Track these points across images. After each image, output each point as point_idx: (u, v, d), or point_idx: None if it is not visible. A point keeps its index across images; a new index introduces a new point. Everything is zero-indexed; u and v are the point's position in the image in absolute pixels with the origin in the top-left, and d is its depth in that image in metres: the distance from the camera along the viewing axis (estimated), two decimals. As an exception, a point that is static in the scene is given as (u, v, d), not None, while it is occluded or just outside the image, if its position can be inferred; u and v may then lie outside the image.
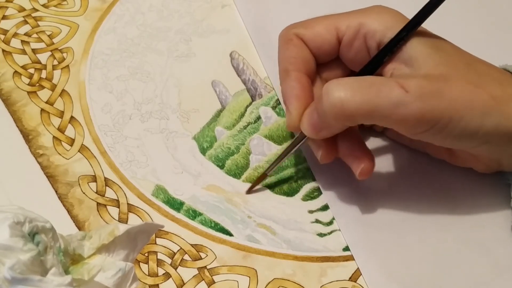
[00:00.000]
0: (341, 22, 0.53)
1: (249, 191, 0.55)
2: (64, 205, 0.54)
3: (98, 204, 0.54)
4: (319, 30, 0.54)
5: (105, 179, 0.55)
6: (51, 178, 0.55)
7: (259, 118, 0.59)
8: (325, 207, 0.55)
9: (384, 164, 0.56)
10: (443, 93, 0.47)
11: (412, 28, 0.50)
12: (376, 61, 0.51)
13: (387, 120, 0.48)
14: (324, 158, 0.52)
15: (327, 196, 0.55)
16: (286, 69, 0.53)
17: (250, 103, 0.60)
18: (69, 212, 0.54)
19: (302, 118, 0.51)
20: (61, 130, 0.58)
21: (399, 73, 0.50)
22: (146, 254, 0.52)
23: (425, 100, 0.46)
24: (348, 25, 0.53)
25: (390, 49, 0.50)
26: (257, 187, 0.55)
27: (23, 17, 0.64)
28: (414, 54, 0.49)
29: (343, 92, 0.47)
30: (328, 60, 0.55)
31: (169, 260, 0.52)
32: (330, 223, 0.54)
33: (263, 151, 0.57)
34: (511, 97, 0.48)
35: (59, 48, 0.62)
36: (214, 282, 0.51)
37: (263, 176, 0.55)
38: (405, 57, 0.50)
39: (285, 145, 0.57)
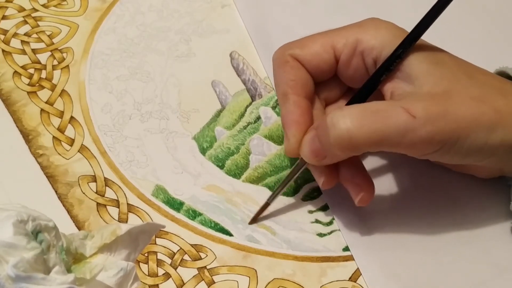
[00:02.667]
0: (338, 39, 0.52)
1: (253, 221, 0.54)
2: (64, 205, 0.54)
3: (98, 204, 0.54)
4: (316, 50, 0.52)
5: (105, 179, 0.55)
6: (51, 178, 0.55)
7: (259, 118, 0.59)
8: (325, 207, 0.55)
9: (384, 166, 0.56)
10: (449, 113, 0.46)
11: (408, 45, 0.49)
12: (373, 81, 0.50)
13: (396, 147, 0.47)
14: (327, 184, 0.52)
15: (327, 196, 0.55)
16: (285, 93, 0.52)
17: (250, 103, 0.60)
18: (69, 212, 0.54)
19: (302, 145, 0.50)
20: (61, 130, 0.58)
21: (400, 92, 0.49)
22: (146, 254, 0.52)
23: (432, 123, 0.46)
24: (345, 43, 0.51)
25: (387, 68, 0.49)
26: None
27: (23, 17, 0.64)
28: (413, 72, 0.48)
29: (350, 124, 0.46)
30: (325, 79, 0.54)
31: (169, 260, 0.52)
32: (330, 223, 0.54)
33: (263, 151, 0.57)
34: None
35: (59, 48, 0.62)
36: (214, 282, 0.51)
37: (266, 205, 0.54)
38: (404, 75, 0.49)
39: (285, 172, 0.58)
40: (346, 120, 0.47)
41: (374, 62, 0.51)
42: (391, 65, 0.49)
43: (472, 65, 0.51)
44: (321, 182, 0.52)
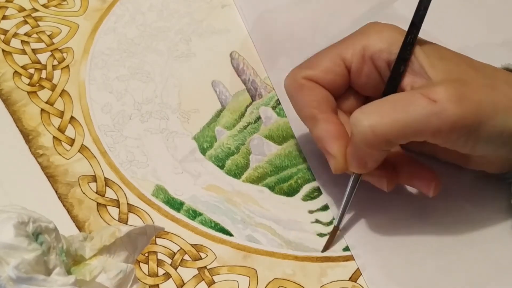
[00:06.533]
0: (345, 50, 0.52)
1: (325, 249, 0.53)
2: (64, 205, 0.54)
3: (98, 204, 0.54)
4: (327, 66, 0.52)
5: (105, 179, 0.55)
6: (51, 178, 0.55)
7: (259, 118, 0.59)
8: (325, 207, 0.55)
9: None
10: (469, 97, 0.46)
11: (415, 29, 0.49)
12: (394, 75, 0.50)
13: (422, 133, 0.47)
14: (390, 186, 0.52)
15: (327, 197, 0.55)
16: (312, 115, 0.52)
17: (250, 103, 0.60)
18: (69, 212, 0.54)
19: (348, 158, 0.50)
20: (61, 130, 0.58)
21: (418, 86, 0.49)
22: (146, 254, 0.52)
23: (455, 105, 0.46)
24: (352, 52, 0.52)
25: (403, 58, 0.49)
26: (256, 185, 0.56)
27: (23, 17, 0.64)
28: (424, 65, 0.49)
29: (370, 119, 0.47)
30: (342, 92, 0.54)
31: (169, 260, 0.52)
32: (330, 223, 0.54)
33: (263, 151, 0.57)
34: None
35: (59, 48, 0.62)
36: (214, 282, 0.51)
37: (335, 230, 0.53)
38: (417, 69, 0.49)
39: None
40: (365, 116, 0.47)
41: (387, 64, 0.51)
42: (405, 53, 0.49)
43: (474, 59, 0.51)
44: (384, 185, 0.52)
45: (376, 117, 0.47)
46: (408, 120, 0.46)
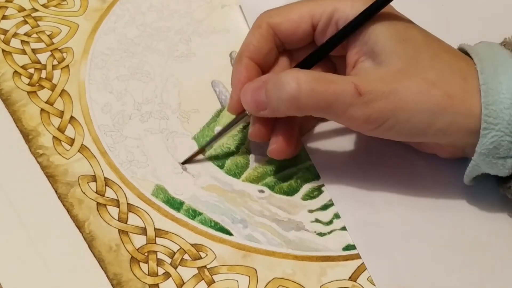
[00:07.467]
0: (317, 8, 0.53)
1: (186, 161, 0.56)
2: (64, 205, 0.54)
3: (98, 204, 0.54)
4: (294, 19, 0.53)
5: (105, 179, 0.55)
6: (51, 178, 0.55)
7: (259, 118, 0.59)
8: (325, 207, 0.55)
9: (390, 163, 0.56)
10: (393, 95, 0.48)
11: (367, 17, 0.50)
12: (337, 38, 0.52)
13: (338, 118, 0.50)
14: (254, 135, 0.54)
15: (333, 194, 0.55)
16: (242, 54, 0.54)
17: (250, 103, 0.60)
18: (69, 212, 0.54)
19: (245, 93, 0.52)
20: (61, 130, 0.58)
21: (361, 67, 0.51)
22: (146, 254, 0.52)
23: (371, 103, 0.48)
24: (323, 12, 0.53)
25: (338, 39, 0.51)
26: (253, 184, 0.56)
27: (23, 17, 0.64)
28: (377, 48, 0.50)
29: (303, 86, 0.48)
30: (302, 46, 0.55)
31: (169, 260, 0.52)
32: (330, 222, 0.54)
33: (263, 151, 0.57)
34: (469, 92, 0.49)
35: (59, 48, 0.62)
36: (214, 282, 0.51)
37: (201, 150, 0.56)
38: (370, 48, 0.50)
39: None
40: (301, 82, 0.49)
41: None
42: (347, 33, 0.51)
43: (441, 43, 0.52)
44: (249, 130, 0.54)
45: (308, 87, 0.48)
46: (332, 103, 0.48)
